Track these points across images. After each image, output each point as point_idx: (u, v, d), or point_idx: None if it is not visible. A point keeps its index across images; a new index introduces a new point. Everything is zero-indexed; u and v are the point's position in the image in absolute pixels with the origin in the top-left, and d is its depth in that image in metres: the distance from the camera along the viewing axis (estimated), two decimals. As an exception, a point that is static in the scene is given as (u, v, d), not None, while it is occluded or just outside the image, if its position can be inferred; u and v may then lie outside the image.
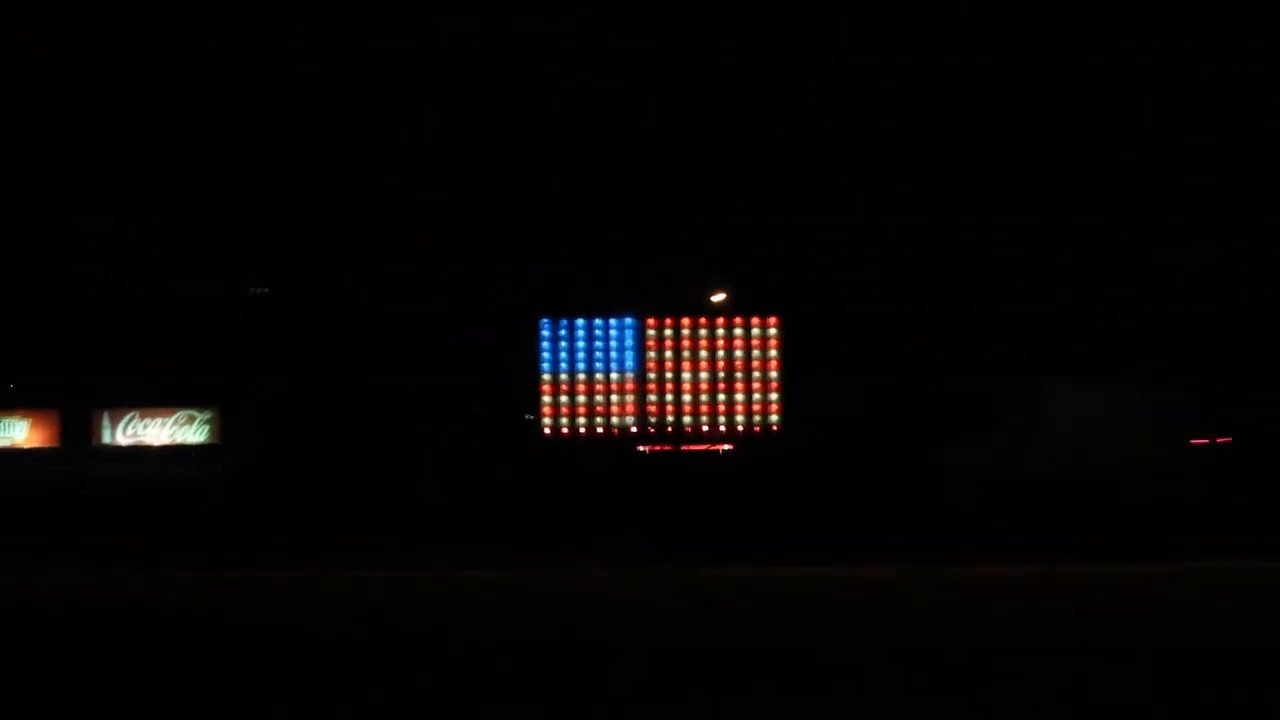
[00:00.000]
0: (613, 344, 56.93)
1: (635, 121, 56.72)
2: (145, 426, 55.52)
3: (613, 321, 57.16)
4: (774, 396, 56.87)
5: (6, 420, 55.30)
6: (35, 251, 54.04)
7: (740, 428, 56.51)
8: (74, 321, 54.27)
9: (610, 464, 52.76)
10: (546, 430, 55.84)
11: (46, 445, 55.10)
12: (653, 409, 56.68)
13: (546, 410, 56.12)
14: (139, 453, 54.67)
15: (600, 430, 56.07)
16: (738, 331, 57.43)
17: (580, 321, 56.92)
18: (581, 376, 56.64)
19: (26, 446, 54.97)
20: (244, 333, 55.22)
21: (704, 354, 57.11)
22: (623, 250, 56.71)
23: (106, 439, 55.42)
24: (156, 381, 54.38)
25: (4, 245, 53.86)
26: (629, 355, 56.99)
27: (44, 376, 54.17)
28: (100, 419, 55.33)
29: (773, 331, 57.41)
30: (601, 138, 56.81)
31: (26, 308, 54.33)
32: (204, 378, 55.15)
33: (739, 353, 57.27)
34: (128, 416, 55.41)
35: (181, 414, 55.68)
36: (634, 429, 56.28)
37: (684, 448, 55.63)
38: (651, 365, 57.03)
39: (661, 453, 55.42)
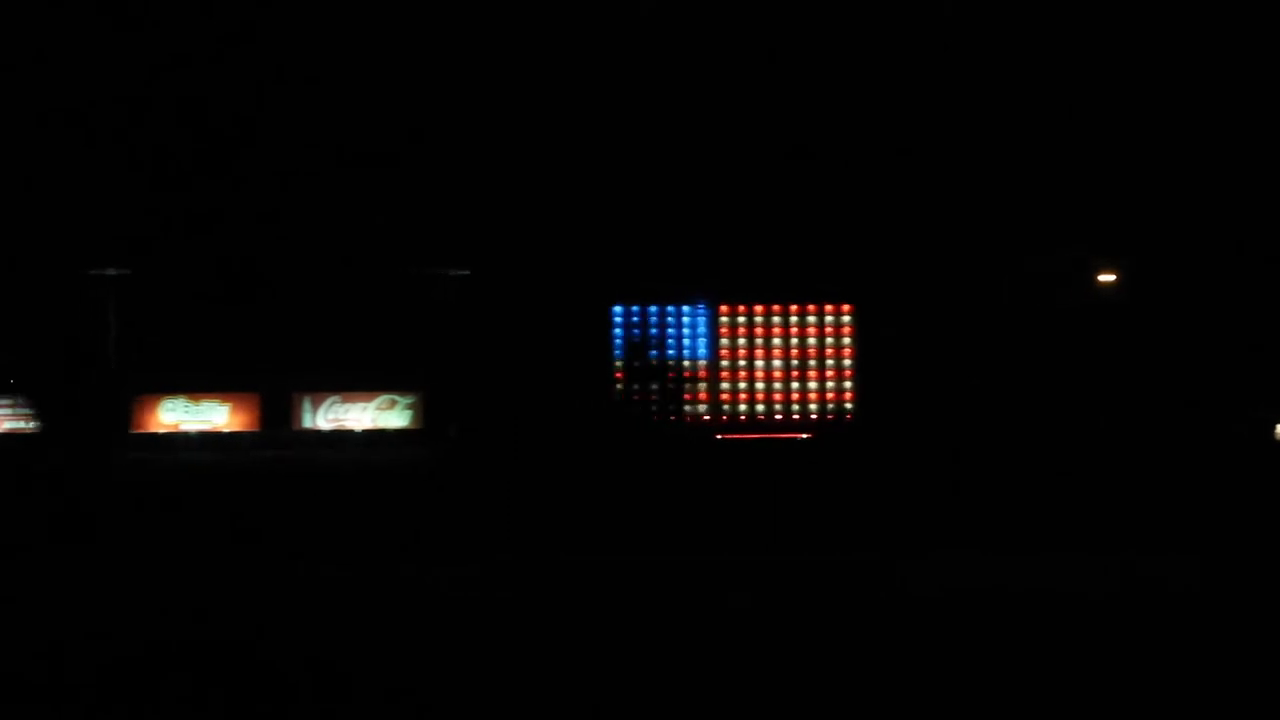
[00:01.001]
0: (685, 331, 56.75)
1: (709, 110, 56.41)
2: (346, 411, 55.46)
3: (685, 308, 56.92)
4: (848, 384, 56.58)
5: (207, 404, 55.14)
6: (237, 233, 53.90)
7: (814, 416, 56.25)
8: (276, 305, 54.58)
9: (689, 452, 52.31)
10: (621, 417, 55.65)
11: (246, 429, 54.92)
12: (725, 397, 56.44)
13: (619, 398, 56.02)
14: (340, 437, 54.64)
15: (673, 418, 55.77)
16: (810, 319, 57.15)
17: (653, 308, 56.76)
18: (654, 364, 56.40)
19: (226, 430, 54.84)
20: (444, 317, 55.48)
21: (777, 341, 56.84)
22: (696, 238, 56.31)
23: (307, 423, 55.35)
24: (358, 366, 54.02)
25: (208, 227, 53.69)
26: (702, 342, 56.76)
27: (244, 360, 54.25)
28: (301, 403, 55.37)
29: (846, 319, 57.11)
30: (675, 127, 56.50)
31: (226, 291, 54.07)
32: (406, 362, 54.63)
33: (812, 340, 56.99)
34: (329, 400, 55.31)
35: (383, 398, 55.61)
36: (707, 417, 56.08)
37: (762, 435, 55.23)
38: (724, 353, 56.78)
39: (739, 440, 54.99)
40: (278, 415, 55.20)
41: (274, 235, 55.15)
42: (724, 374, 56.46)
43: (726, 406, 56.05)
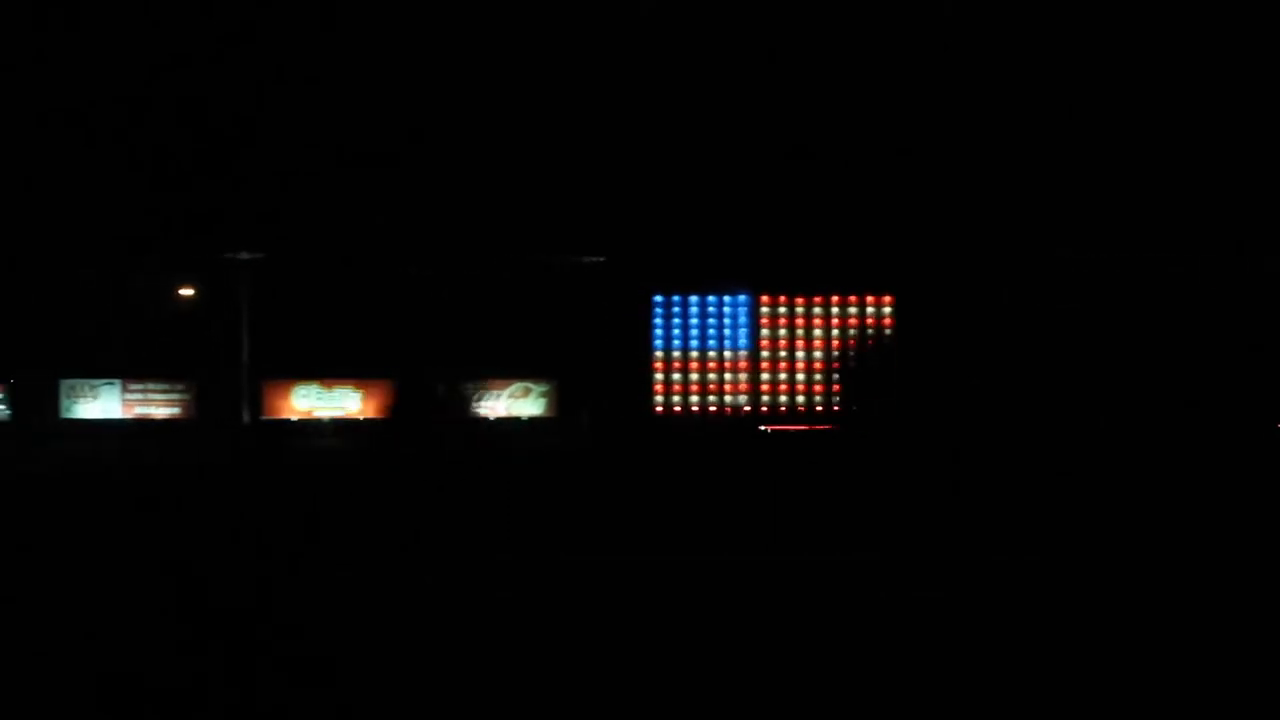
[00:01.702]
0: (726, 321, 56.73)
1: (747, 99, 56.38)
2: (479, 398, 55.67)
3: (726, 298, 56.91)
4: (882, 377, 56.48)
5: (339, 390, 55.20)
6: (370, 217, 54.23)
7: (855, 407, 56.17)
8: (405, 292, 54.82)
9: (733, 444, 52.30)
10: (659, 408, 55.80)
11: (379, 417, 53.58)
12: (766, 388, 56.45)
13: (659, 388, 56.11)
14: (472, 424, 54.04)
15: (714, 409, 55.83)
16: (852, 310, 57.05)
17: (694, 298, 56.76)
18: (694, 354, 56.45)
19: (359, 417, 54.57)
20: (578, 304, 55.53)
21: (818, 332, 56.77)
22: (737, 227, 56.35)
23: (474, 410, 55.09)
24: (493, 352, 53.91)
25: (342, 211, 54.02)
26: (742, 332, 56.73)
27: (377, 348, 53.81)
28: (434, 391, 54.45)
29: (887, 310, 56.97)
30: (712, 116, 56.51)
31: (356, 280, 54.37)
32: (541, 349, 54.59)
33: (853, 331, 56.91)
34: (463, 388, 54.98)
35: (517, 386, 55.70)
36: (748, 408, 56.13)
37: (807, 427, 55.16)
38: (765, 343, 56.77)
39: (785, 432, 54.92)
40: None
41: (408, 220, 55.48)
42: (764, 364, 56.32)
43: (767, 398, 55.97)
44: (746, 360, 55.99)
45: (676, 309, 56.33)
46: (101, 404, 53.70)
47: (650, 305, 56.13)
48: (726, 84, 55.74)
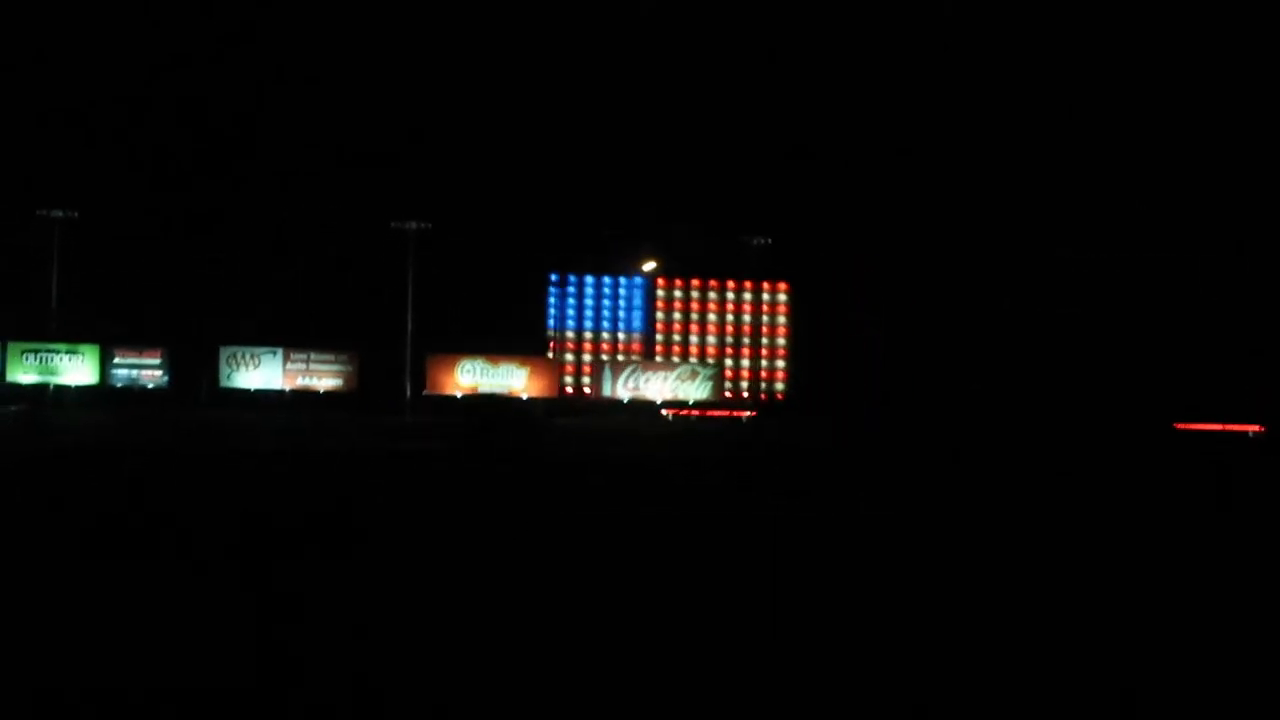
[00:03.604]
0: (621, 302, 56.33)
1: (657, 87, 55.86)
2: (646, 380, 55.59)
3: (622, 279, 56.49)
4: (780, 364, 56.14)
5: (506, 366, 54.87)
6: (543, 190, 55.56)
7: (746, 394, 55.90)
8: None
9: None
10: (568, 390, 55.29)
11: (543, 395, 54.60)
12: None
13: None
14: (638, 405, 54.84)
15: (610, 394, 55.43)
16: (747, 296, 56.56)
17: (589, 278, 56.32)
18: (589, 335, 56.07)
19: (524, 395, 54.42)
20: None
21: (713, 317, 56.37)
22: (636, 212, 55.80)
23: (606, 391, 55.36)
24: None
25: (511, 183, 54.35)
26: (637, 315, 56.36)
27: (542, 327, 55.37)
28: (601, 370, 55.50)
29: (783, 297, 56.51)
30: (622, 103, 55.96)
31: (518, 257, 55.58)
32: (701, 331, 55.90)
33: (748, 317, 56.47)
34: (629, 368, 55.56)
35: (685, 368, 55.89)
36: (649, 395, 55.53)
37: (707, 413, 54.88)
38: (659, 326, 56.37)
39: (686, 417, 54.75)
40: (576, 381, 55.77)
41: (579, 197, 55.76)
42: (658, 348, 56.04)
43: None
44: (640, 343, 55.59)
45: (572, 289, 55.97)
46: (263, 373, 52.97)
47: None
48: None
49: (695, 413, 54.98)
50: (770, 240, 55.79)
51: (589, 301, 56.24)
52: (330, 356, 53.41)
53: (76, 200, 51.83)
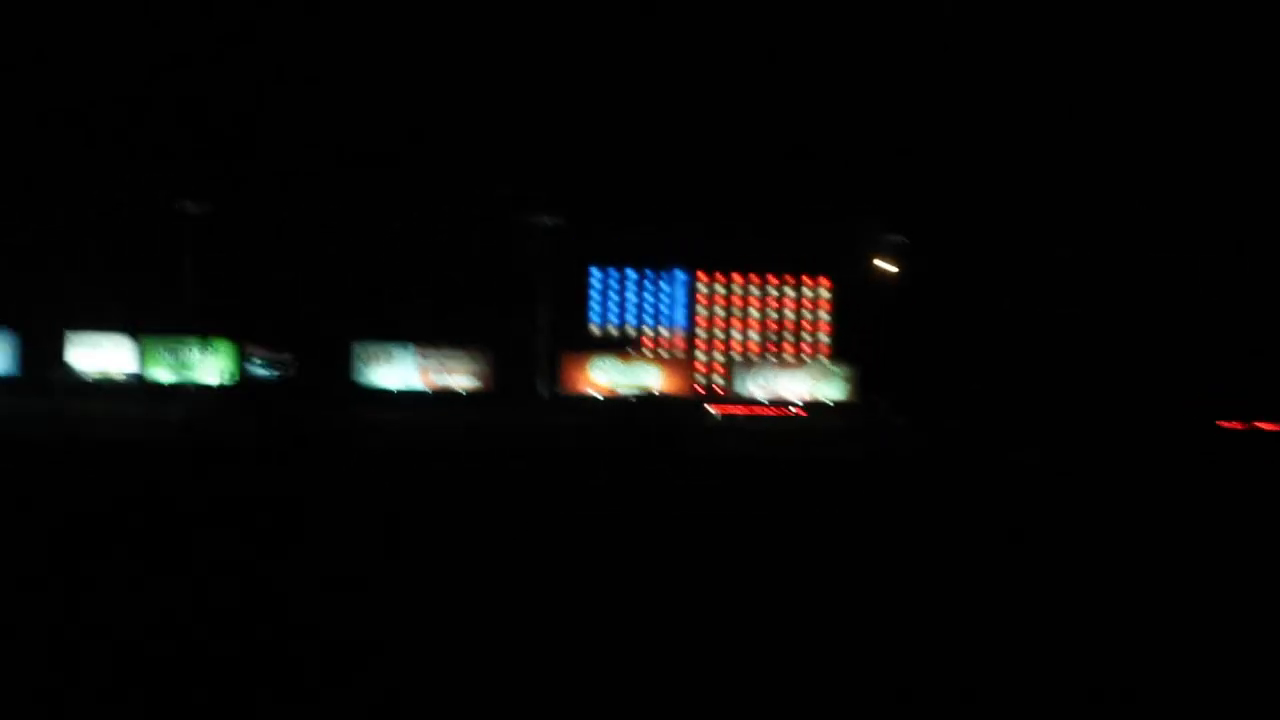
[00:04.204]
0: (663, 297, 56.24)
1: (701, 87, 55.69)
2: (779, 379, 55.32)
3: (664, 273, 56.36)
4: (823, 359, 56.45)
5: (641, 365, 54.94)
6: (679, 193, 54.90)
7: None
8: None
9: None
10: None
11: (679, 393, 54.54)
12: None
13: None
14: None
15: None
16: (789, 291, 56.84)
17: (631, 272, 56.13)
18: (631, 330, 55.93)
19: (660, 393, 54.39)
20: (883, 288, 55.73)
21: (754, 312, 56.54)
22: (677, 207, 55.60)
23: (740, 390, 55.17)
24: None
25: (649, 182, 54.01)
26: (679, 310, 56.31)
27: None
28: (736, 370, 55.37)
29: (824, 293, 56.84)
30: (669, 101, 55.59)
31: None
32: (842, 332, 55.50)
33: (789, 313, 56.76)
34: (763, 367, 55.34)
35: (817, 367, 55.60)
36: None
37: (757, 410, 55.03)
38: (701, 321, 56.44)
39: (735, 415, 54.82)
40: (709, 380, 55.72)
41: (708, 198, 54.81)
42: (700, 343, 56.08)
43: (702, 378, 55.65)
44: (683, 338, 55.46)
45: (614, 283, 55.76)
46: (396, 370, 52.37)
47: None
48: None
49: (743, 410, 55.17)
50: (814, 235, 56.17)
51: (630, 297, 56.13)
52: (462, 353, 53.10)
53: (212, 194, 51.44)
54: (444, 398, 52.24)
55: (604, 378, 54.37)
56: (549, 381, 53.87)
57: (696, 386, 55.43)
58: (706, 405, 54.53)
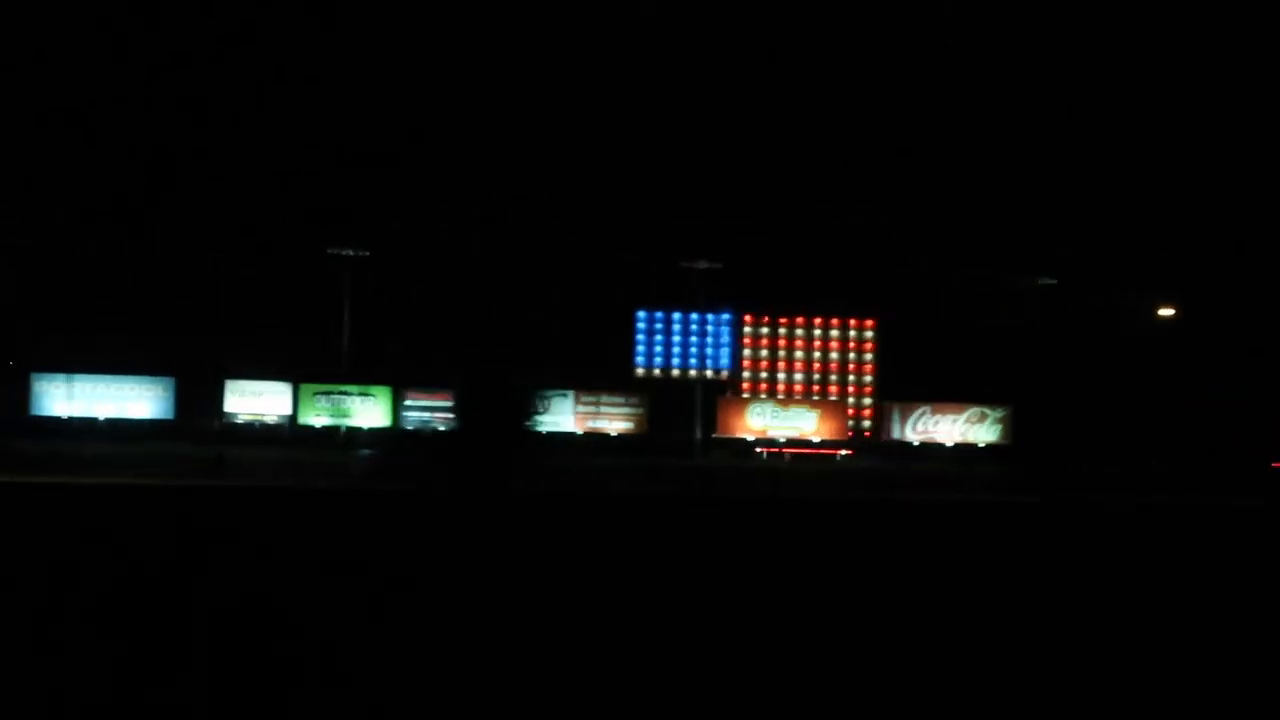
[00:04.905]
0: (709, 339, 56.16)
1: (742, 129, 55.81)
2: (936, 423, 55.21)
3: (709, 316, 56.32)
4: (868, 401, 56.25)
5: (795, 410, 55.11)
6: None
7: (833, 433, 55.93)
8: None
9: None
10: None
11: (834, 437, 54.92)
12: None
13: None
14: (929, 450, 54.75)
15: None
16: (834, 333, 56.76)
17: (676, 315, 56.10)
18: (675, 372, 55.87)
19: (815, 438, 55.01)
20: (1036, 326, 55.23)
21: (799, 354, 56.43)
22: (719, 248, 55.62)
23: (895, 434, 55.08)
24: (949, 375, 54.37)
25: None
26: (724, 352, 56.25)
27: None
28: (891, 413, 55.39)
29: (869, 334, 56.73)
30: (712, 142, 55.71)
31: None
32: (997, 372, 54.51)
33: (835, 354, 56.65)
34: (919, 412, 55.16)
35: (973, 411, 55.31)
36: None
37: (801, 450, 54.94)
38: (747, 363, 56.39)
39: (780, 454, 55.19)
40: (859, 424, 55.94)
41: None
42: (745, 385, 56.03)
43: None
44: (729, 380, 55.37)
45: (660, 326, 55.76)
46: (553, 415, 53.15)
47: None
48: (727, 91, 55.30)
49: (790, 450, 55.08)
50: (858, 277, 56.17)
51: (676, 339, 56.09)
52: (620, 399, 54.04)
53: (367, 239, 51.58)
54: (595, 441, 53.22)
55: (759, 422, 55.11)
56: (703, 426, 54.71)
57: (848, 430, 55.64)
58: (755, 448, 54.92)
